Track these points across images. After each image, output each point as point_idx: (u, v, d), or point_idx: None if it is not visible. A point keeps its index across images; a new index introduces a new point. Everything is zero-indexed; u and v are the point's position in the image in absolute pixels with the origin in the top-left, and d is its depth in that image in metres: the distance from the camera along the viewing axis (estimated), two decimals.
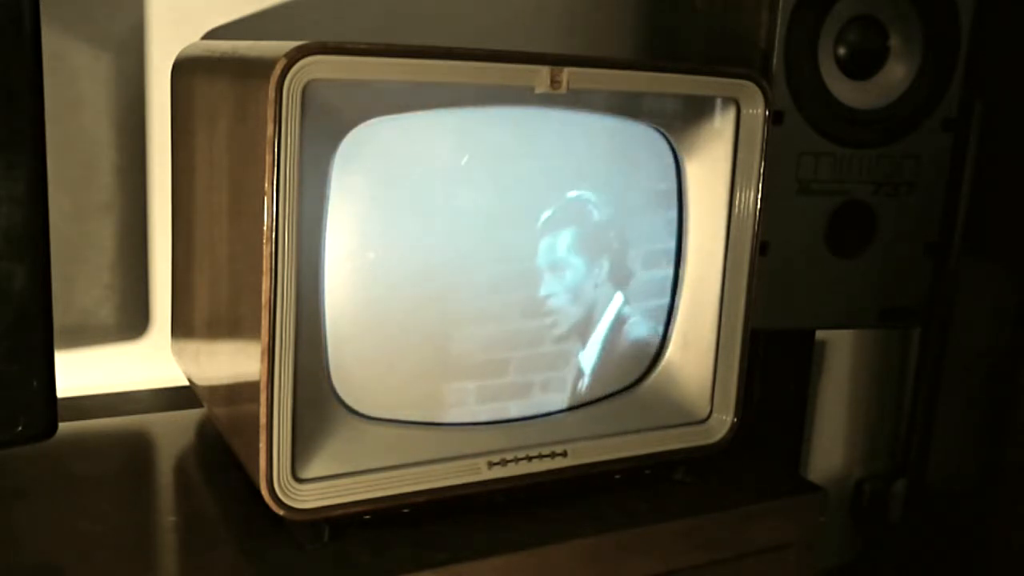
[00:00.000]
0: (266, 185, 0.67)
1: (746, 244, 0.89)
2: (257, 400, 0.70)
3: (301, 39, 0.68)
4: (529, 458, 0.82)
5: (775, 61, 1.05)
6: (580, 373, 0.87)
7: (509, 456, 0.81)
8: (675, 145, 0.87)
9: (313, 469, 0.74)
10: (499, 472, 0.81)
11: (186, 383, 1.04)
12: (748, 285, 0.90)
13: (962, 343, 1.55)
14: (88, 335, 1.10)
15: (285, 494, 0.72)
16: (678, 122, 0.86)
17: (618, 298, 0.88)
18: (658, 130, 0.86)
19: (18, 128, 0.73)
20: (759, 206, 0.89)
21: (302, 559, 0.75)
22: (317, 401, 0.74)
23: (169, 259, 1.06)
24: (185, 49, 0.99)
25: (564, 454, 0.84)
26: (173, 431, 1.02)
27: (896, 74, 1.11)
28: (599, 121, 0.83)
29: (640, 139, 0.86)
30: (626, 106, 0.83)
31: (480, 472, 0.80)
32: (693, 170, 0.88)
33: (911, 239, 1.16)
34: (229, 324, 0.79)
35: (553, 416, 0.86)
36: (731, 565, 0.90)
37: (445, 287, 0.79)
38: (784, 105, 1.06)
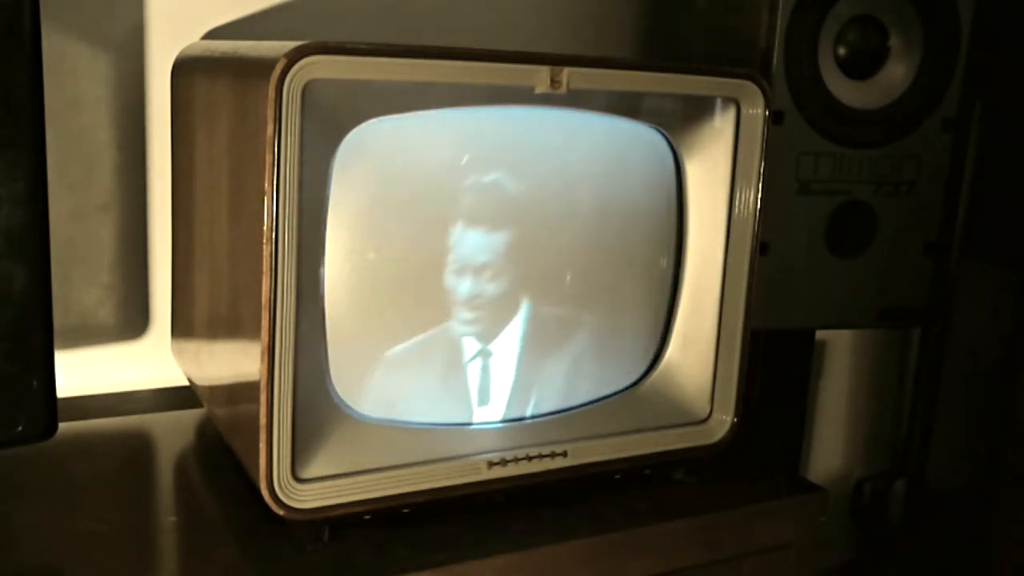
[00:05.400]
0: (266, 185, 0.67)
1: (746, 244, 0.89)
2: (257, 400, 0.70)
3: (301, 39, 0.68)
4: (529, 458, 0.82)
5: (775, 61, 1.05)
6: (580, 373, 0.87)
7: (509, 456, 0.81)
8: (675, 145, 0.87)
9: (313, 469, 0.74)
10: (499, 472, 0.81)
11: (186, 383, 1.04)
12: (748, 285, 0.90)
13: (962, 343, 1.55)
14: (88, 335, 1.10)
15: (285, 494, 0.72)
16: (678, 122, 0.86)
17: (618, 298, 0.88)
18: (658, 130, 0.86)
19: (18, 128, 0.73)
20: (759, 206, 0.88)
21: (302, 559, 0.75)
22: (317, 401, 0.74)
23: (169, 259, 1.06)
24: (185, 49, 0.99)
25: (564, 454, 0.84)
26: (173, 431, 1.02)
27: (896, 74, 1.11)
28: (599, 121, 0.83)
29: (640, 139, 0.86)
30: (626, 106, 0.83)
31: (480, 472, 0.80)
32: (693, 170, 0.88)
33: (911, 239, 1.16)
34: (229, 324, 0.79)
35: (553, 416, 0.86)
36: (731, 565, 0.90)
37: (445, 287, 0.79)
38: (784, 105, 1.06)
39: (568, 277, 0.85)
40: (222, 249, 0.81)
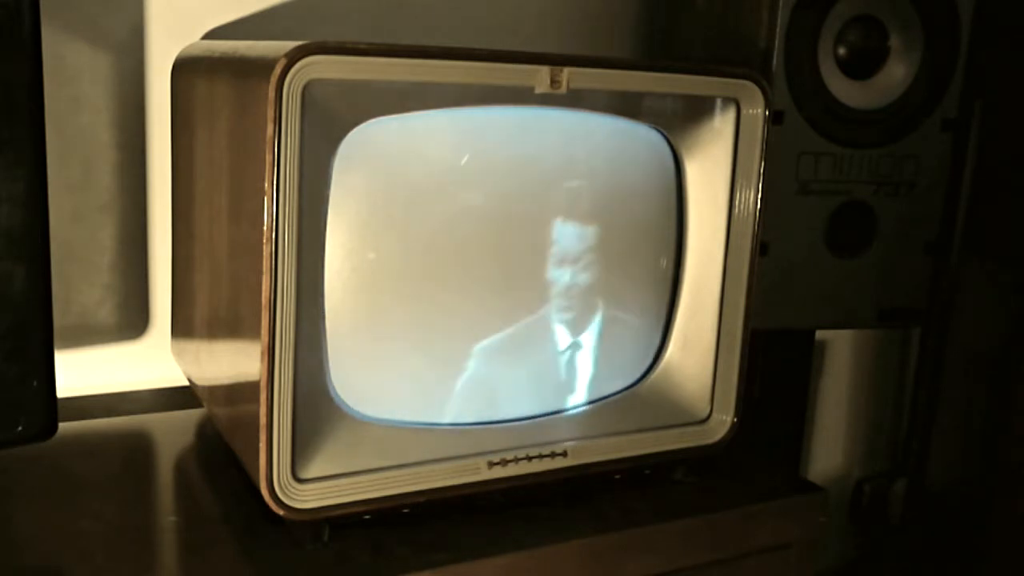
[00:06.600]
0: (266, 185, 0.67)
1: (746, 244, 0.89)
2: (257, 400, 0.70)
3: (301, 39, 0.68)
4: (529, 458, 0.82)
5: (775, 61, 1.05)
6: (580, 373, 0.87)
7: (509, 456, 0.81)
8: (675, 145, 0.87)
9: (313, 469, 0.74)
10: (499, 472, 0.81)
11: (186, 383, 1.04)
12: (748, 285, 0.90)
13: (962, 343, 1.55)
14: (88, 335, 1.10)
15: (285, 494, 0.72)
16: (678, 122, 0.86)
17: (618, 298, 0.88)
18: (658, 130, 0.86)
19: (18, 128, 0.73)
20: (759, 206, 0.89)
21: (302, 559, 0.75)
22: (317, 401, 0.74)
23: (169, 259, 1.06)
24: (185, 49, 0.99)
25: (564, 454, 0.84)
26: (173, 431, 1.02)
27: (896, 74, 1.11)
28: (599, 121, 0.83)
29: (640, 139, 0.86)
30: (626, 106, 0.83)
31: (480, 472, 0.80)
32: (693, 170, 0.88)
33: (911, 239, 1.16)
34: (229, 324, 0.79)
35: (553, 416, 0.86)
36: (731, 565, 0.90)
37: (445, 287, 0.79)
38: (784, 105, 1.06)
39: (567, 276, 0.85)
40: (222, 249, 0.81)
